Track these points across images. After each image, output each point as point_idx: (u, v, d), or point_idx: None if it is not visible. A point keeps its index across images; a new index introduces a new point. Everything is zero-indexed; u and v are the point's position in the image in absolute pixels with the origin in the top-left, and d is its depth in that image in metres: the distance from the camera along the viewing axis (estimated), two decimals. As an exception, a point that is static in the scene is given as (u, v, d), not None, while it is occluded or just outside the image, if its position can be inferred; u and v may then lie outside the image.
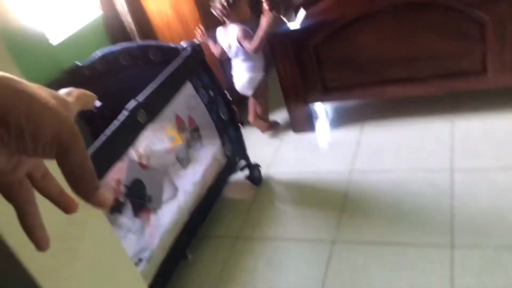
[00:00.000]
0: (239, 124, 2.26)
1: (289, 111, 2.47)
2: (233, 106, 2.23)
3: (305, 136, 2.49)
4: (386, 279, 1.59)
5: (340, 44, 2.20)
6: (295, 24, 2.28)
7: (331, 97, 2.41)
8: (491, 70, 2.06)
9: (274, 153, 2.44)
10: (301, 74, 2.32)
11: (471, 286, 1.47)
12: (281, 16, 2.28)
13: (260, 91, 2.48)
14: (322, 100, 2.45)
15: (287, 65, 2.30)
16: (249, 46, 2.26)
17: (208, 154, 2.05)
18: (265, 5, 2.22)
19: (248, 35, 2.28)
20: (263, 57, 2.41)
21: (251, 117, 2.60)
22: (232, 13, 2.28)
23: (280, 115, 2.69)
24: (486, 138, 2.07)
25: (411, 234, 1.72)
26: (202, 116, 2.05)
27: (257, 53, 2.36)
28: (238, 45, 2.31)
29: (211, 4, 2.32)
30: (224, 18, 2.32)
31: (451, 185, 1.87)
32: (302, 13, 2.30)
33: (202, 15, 2.44)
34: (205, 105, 1.99)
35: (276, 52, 2.29)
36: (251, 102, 2.58)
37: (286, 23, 2.26)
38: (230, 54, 2.39)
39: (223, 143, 2.09)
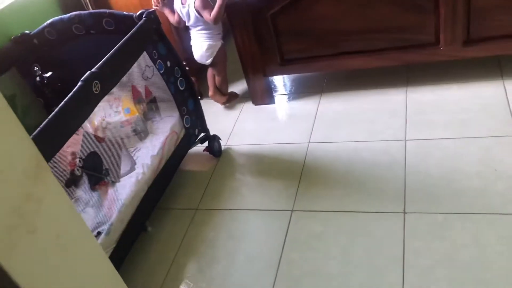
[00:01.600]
0: (198, 96, 2.24)
1: (248, 83, 2.47)
2: (192, 77, 2.21)
3: (265, 108, 2.50)
4: (343, 245, 1.65)
5: (298, 14, 2.20)
6: (252, -7, 2.24)
7: (290, 69, 2.41)
8: (443, 43, 2.12)
9: (234, 125, 2.44)
10: (260, 45, 2.31)
11: (421, 250, 1.55)
12: None
13: (219, 59, 2.44)
14: (280, 72, 2.45)
15: (245, 36, 2.28)
16: (209, 16, 2.22)
17: (166, 127, 2.02)
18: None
19: (207, 5, 2.23)
20: (221, 24, 2.36)
21: (210, 91, 2.58)
22: None
23: (239, 87, 2.68)
24: (438, 109, 2.15)
25: (366, 202, 1.78)
26: (159, 87, 2.01)
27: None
28: (197, 14, 2.26)
29: None
30: None
31: (404, 155, 1.94)
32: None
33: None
34: (162, 75, 1.95)
35: (234, 22, 2.26)
36: (210, 75, 2.54)
37: (243, -7, 2.22)
38: (188, 23, 2.34)
39: (181, 115, 2.07)
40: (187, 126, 2.10)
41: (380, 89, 2.37)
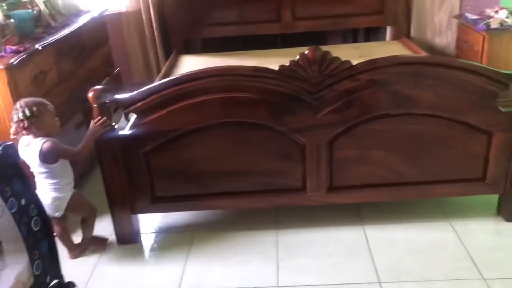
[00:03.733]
0: (54, 236, 1.99)
1: (115, 220, 2.28)
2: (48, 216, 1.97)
3: (131, 248, 2.31)
4: None
5: (171, 154, 2.18)
6: (125, 130, 2.19)
7: (160, 208, 2.31)
8: (310, 189, 2.25)
9: (94, 268, 2.18)
10: (130, 182, 2.20)
11: None
12: (109, 121, 2.15)
13: (74, 209, 2.18)
14: (150, 210, 2.33)
15: (114, 172, 2.16)
16: (70, 150, 2.02)
17: (10, 276, 1.72)
18: (94, 110, 2.10)
19: (56, 146, 1.99)
20: (71, 172, 2.14)
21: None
22: (32, 126, 1.96)
23: (103, 225, 2.47)
24: (307, 253, 2.18)
25: None
26: (7, 228, 1.74)
27: (65, 168, 2.09)
28: (39, 161, 1.98)
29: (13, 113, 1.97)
30: (24, 132, 1.99)
31: (278, 303, 1.89)
32: (133, 119, 2.23)
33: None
34: (14, 215, 1.70)
35: (103, 158, 2.15)
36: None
37: (115, 128, 2.15)
38: (32, 169, 2.04)
39: (32, 260, 1.78)
40: (37, 273, 1.80)
41: (252, 231, 2.36)
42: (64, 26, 2.85)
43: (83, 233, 2.29)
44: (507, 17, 3.14)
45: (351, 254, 2.16)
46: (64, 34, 2.70)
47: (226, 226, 2.42)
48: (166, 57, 3.81)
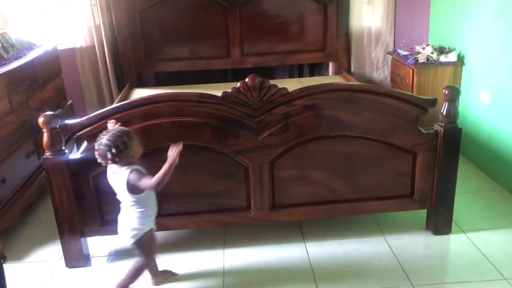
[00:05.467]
0: (2, 259, 2.01)
1: (63, 243, 2.32)
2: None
3: (80, 272, 2.34)
4: None
5: (121, 177, 2.26)
6: (75, 154, 2.28)
7: (110, 230, 2.36)
8: (254, 208, 2.38)
9: (41, 291, 2.21)
10: (78, 205, 2.26)
11: None
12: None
13: (145, 245, 2.07)
14: (100, 233, 2.38)
15: (64, 194, 2.23)
16: (149, 183, 1.90)
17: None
18: (44, 135, 2.17)
19: (139, 177, 1.92)
20: (155, 204, 2.07)
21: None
22: (122, 157, 1.90)
23: (52, 249, 2.50)
24: (253, 272, 2.29)
25: None
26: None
27: (151, 199, 2.03)
28: (127, 190, 1.94)
29: (96, 151, 1.90)
30: (116, 166, 1.95)
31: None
32: (84, 143, 2.32)
33: None
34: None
35: (53, 180, 2.21)
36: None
37: (65, 153, 2.23)
38: (118, 196, 2.03)
39: (-23, 281, 1.81)
40: (-17, 293, 1.83)
41: (199, 251, 2.45)
42: (16, 58, 2.93)
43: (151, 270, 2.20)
44: (432, 53, 3.48)
45: (293, 269, 2.29)
46: (15, 66, 2.78)
47: (175, 247, 2.50)
48: (120, 90, 3.93)
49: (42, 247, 2.55)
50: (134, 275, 2.11)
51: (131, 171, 1.92)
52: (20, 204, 2.71)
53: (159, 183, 1.88)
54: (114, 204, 2.29)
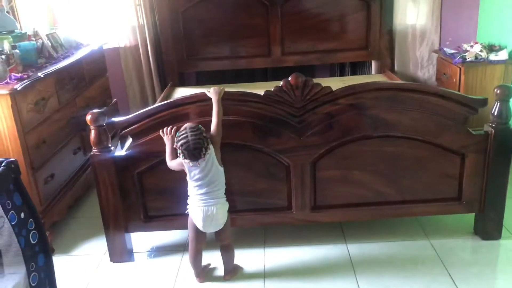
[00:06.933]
0: (51, 251, 2.08)
1: (108, 239, 2.38)
2: (46, 231, 2.07)
3: (123, 266, 2.39)
4: None
5: (163, 174, 2.28)
6: (121, 151, 2.33)
7: (153, 226, 2.41)
8: (295, 208, 2.36)
9: (87, 285, 2.27)
10: (124, 201, 2.31)
11: None
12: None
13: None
14: (143, 229, 2.42)
15: (109, 191, 2.28)
16: (216, 134, 2.08)
17: (8, 286, 1.80)
18: (91, 132, 2.23)
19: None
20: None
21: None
22: None
23: (95, 243, 2.56)
24: (294, 272, 2.27)
25: None
26: (7, 240, 1.84)
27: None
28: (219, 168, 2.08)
29: (186, 152, 1.97)
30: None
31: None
32: (129, 141, 2.37)
33: (21, 132, 2.33)
34: (13, 227, 1.81)
35: (99, 177, 2.27)
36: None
37: (111, 150, 2.28)
38: (203, 180, 2.05)
39: (29, 272, 1.87)
40: (33, 284, 1.89)
41: (240, 249, 2.44)
42: (64, 57, 3.03)
43: (224, 262, 2.27)
44: (481, 51, 3.35)
45: (334, 270, 2.26)
46: (64, 65, 2.87)
47: (215, 244, 2.50)
48: (162, 89, 3.99)
49: (88, 241, 2.62)
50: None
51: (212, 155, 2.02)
52: (67, 199, 2.80)
53: (219, 128, 2.07)
54: (158, 201, 2.36)
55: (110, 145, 2.29)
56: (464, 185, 2.35)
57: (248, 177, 2.32)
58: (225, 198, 2.13)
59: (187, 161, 1.99)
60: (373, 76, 4.01)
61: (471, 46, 3.49)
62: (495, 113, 2.23)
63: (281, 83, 2.18)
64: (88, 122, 2.22)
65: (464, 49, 3.55)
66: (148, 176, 2.31)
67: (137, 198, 2.33)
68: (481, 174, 2.32)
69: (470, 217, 2.48)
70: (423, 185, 2.35)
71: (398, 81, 3.57)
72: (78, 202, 2.97)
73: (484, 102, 2.21)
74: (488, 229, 2.41)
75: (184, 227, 2.45)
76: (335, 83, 3.57)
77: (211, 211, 2.05)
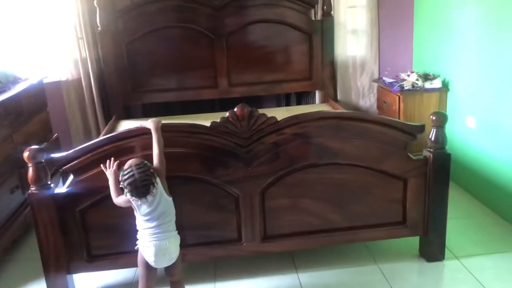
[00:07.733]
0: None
1: (48, 282, 2.24)
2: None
3: (65, 310, 2.26)
4: None
5: (107, 210, 2.20)
6: (61, 188, 2.23)
7: (97, 266, 2.30)
8: (245, 239, 2.34)
9: (25, 332, 2.11)
10: (65, 241, 2.20)
11: None
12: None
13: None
14: (87, 269, 2.31)
15: (49, 230, 2.17)
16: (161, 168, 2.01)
17: None
18: (30, 169, 2.12)
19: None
20: None
21: None
22: None
23: (36, 287, 2.41)
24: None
25: None
26: None
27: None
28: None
29: (133, 190, 1.90)
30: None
31: None
32: (70, 177, 2.28)
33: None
34: None
35: (38, 216, 2.15)
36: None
37: (51, 187, 2.18)
38: (152, 214, 1.98)
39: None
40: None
41: (190, 285, 2.38)
42: (0, 92, 2.90)
43: None
44: (417, 80, 3.53)
45: (286, 300, 2.24)
46: (0, 100, 2.74)
47: (166, 281, 2.42)
48: (106, 122, 3.89)
49: (27, 285, 2.46)
50: None
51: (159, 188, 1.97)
52: (4, 241, 2.63)
53: (162, 158, 2.02)
54: (102, 239, 2.26)
55: (49, 182, 2.19)
56: (408, 209, 2.42)
57: (197, 210, 2.28)
58: (177, 231, 2.06)
59: (135, 199, 1.93)
60: (317, 106, 4.11)
61: (408, 75, 3.67)
62: (432, 139, 2.34)
63: (227, 114, 2.18)
64: (26, 159, 2.11)
65: (401, 78, 3.73)
66: (91, 213, 2.22)
67: (80, 237, 2.23)
68: (423, 198, 2.40)
69: (415, 240, 2.55)
70: (369, 210, 2.40)
71: (341, 110, 3.68)
72: (16, 244, 2.80)
73: (421, 128, 2.31)
74: (432, 251, 2.48)
75: (130, 265, 2.37)
76: (281, 112, 3.61)
77: (164, 245, 1.98)
